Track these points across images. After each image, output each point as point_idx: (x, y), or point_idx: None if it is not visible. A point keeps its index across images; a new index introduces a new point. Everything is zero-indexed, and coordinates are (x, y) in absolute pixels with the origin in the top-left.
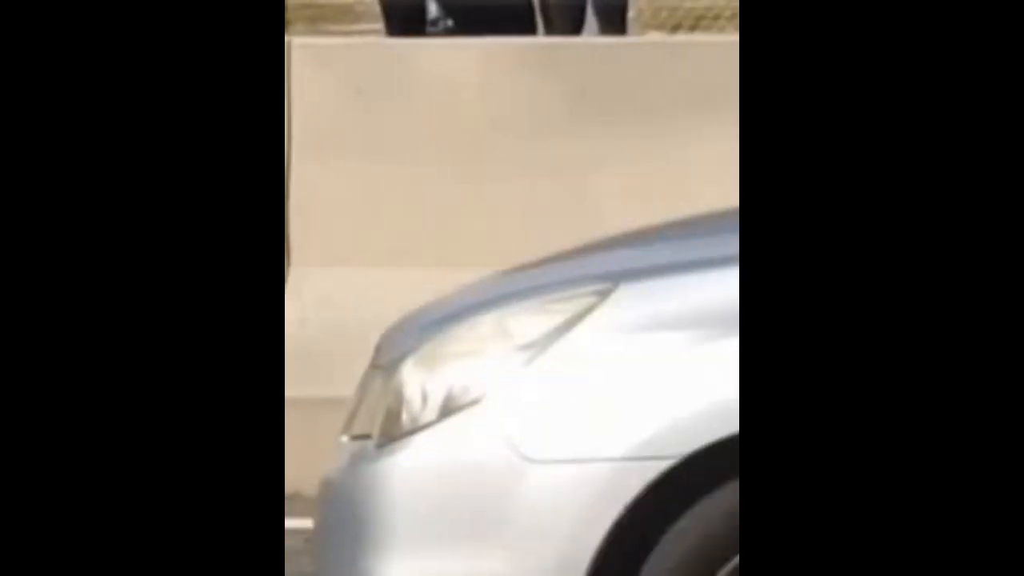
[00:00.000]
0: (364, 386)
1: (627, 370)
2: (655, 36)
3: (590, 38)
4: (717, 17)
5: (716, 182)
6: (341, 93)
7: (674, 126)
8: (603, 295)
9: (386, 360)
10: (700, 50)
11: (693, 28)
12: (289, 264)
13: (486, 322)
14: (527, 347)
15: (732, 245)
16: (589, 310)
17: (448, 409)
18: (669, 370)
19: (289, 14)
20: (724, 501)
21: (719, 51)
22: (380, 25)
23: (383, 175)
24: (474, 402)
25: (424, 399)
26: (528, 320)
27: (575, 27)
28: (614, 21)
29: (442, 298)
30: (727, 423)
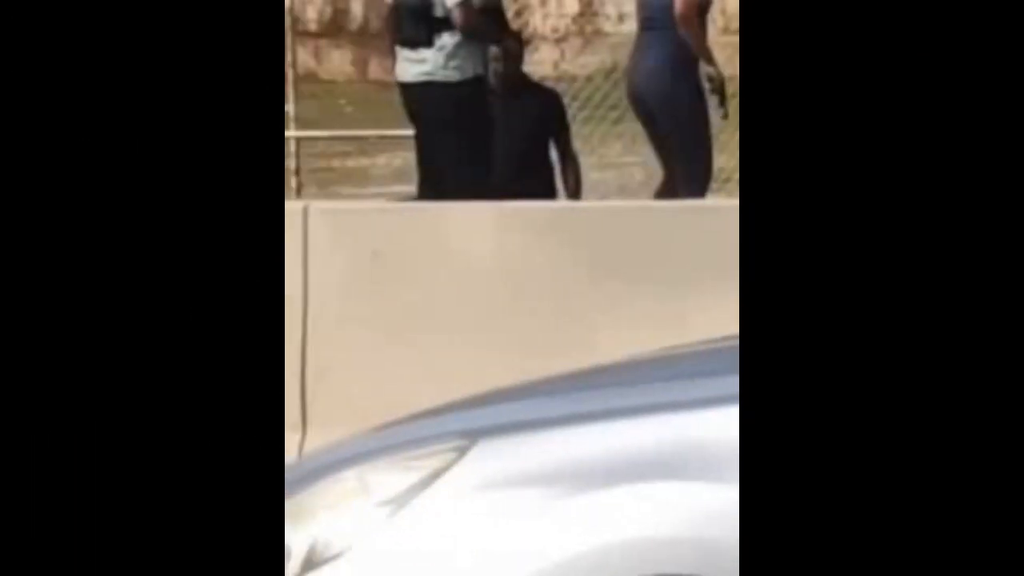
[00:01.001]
0: None
1: (484, 526)
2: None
3: (600, 202)
4: (727, 180)
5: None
6: (357, 257)
7: (687, 290)
8: (461, 452)
9: None
10: (712, 214)
11: None
12: (307, 427)
13: (348, 478)
14: (388, 502)
15: (588, 403)
16: (448, 466)
17: (311, 563)
18: (525, 526)
19: (303, 177)
20: None
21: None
22: (394, 188)
23: (398, 340)
24: (336, 556)
25: (288, 553)
26: (389, 476)
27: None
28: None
29: (306, 454)
30: None
